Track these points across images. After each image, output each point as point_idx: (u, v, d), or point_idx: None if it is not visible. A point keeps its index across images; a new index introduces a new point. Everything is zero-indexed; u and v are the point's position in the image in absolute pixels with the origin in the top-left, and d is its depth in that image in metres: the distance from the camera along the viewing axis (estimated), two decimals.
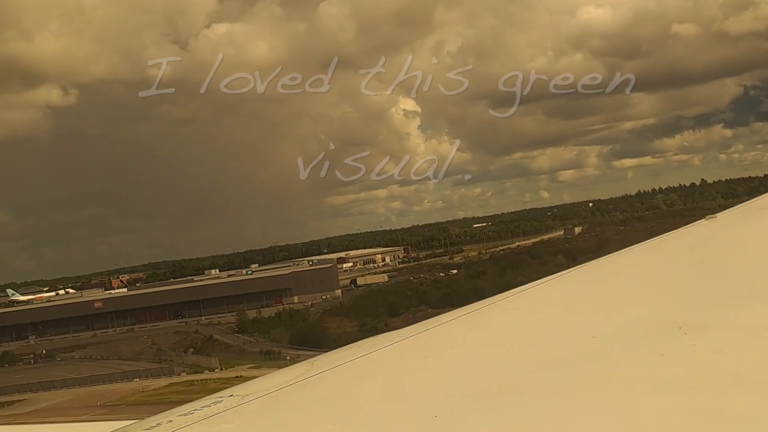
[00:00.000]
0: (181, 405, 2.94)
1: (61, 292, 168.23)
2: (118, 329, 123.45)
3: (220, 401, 2.85)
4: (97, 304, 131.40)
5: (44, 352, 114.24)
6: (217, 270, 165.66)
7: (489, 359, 3.13)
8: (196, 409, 2.78)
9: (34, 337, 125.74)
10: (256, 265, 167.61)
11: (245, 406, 2.79)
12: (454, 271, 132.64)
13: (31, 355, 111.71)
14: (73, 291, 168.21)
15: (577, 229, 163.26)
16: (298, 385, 3.01)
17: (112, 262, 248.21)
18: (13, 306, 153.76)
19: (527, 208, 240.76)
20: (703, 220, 6.85)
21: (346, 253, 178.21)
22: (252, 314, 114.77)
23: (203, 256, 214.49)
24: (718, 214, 7.09)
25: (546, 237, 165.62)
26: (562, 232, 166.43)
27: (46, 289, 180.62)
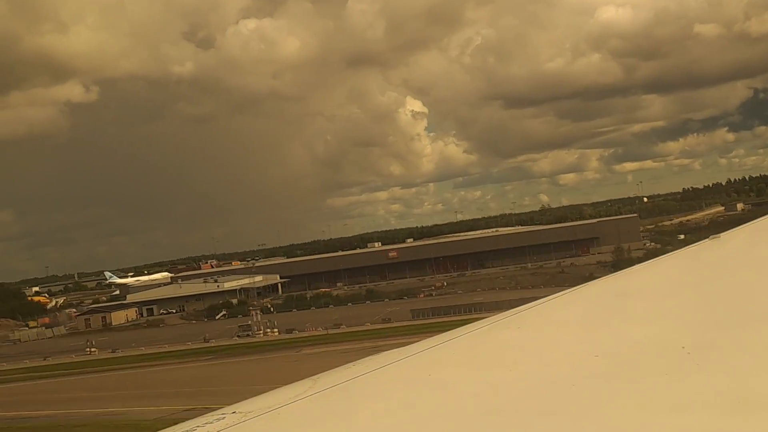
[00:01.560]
0: (181, 423, 2.94)
1: (157, 276, 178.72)
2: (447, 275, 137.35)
3: (223, 418, 2.85)
4: (391, 254, 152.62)
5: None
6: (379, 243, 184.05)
7: (492, 378, 3.12)
8: (198, 426, 2.77)
9: (341, 283, 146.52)
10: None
11: (248, 423, 2.78)
12: None
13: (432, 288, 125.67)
14: (168, 274, 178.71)
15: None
16: (300, 402, 3.01)
17: (197, 251, 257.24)
18: (110, 288, 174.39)
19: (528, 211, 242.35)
20: (706, 240, 6.85)
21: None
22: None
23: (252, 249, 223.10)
24: (721, 234, 7.08)
25: None
26: None
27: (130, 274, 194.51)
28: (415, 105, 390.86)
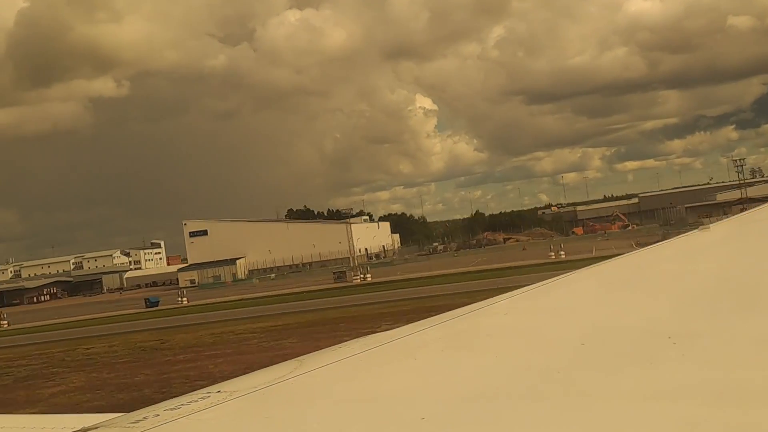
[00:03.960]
0: (168, 400, 2.93)
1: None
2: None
3: (208, 396, 2.84)
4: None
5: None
6: None
7: (478, 363, 3.12)
8: (183, 404, 2.76)
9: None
10: None
11: (232, 403, 2.78)
12: None
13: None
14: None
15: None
16: (285, 382, 3.00)
17: None
18: None
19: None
20: (696, 230, 6.87)
21: None
22: None
23: None
24: (711, 225, 7.11)
25: None
26: None
27: None
28: (425, 102, 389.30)
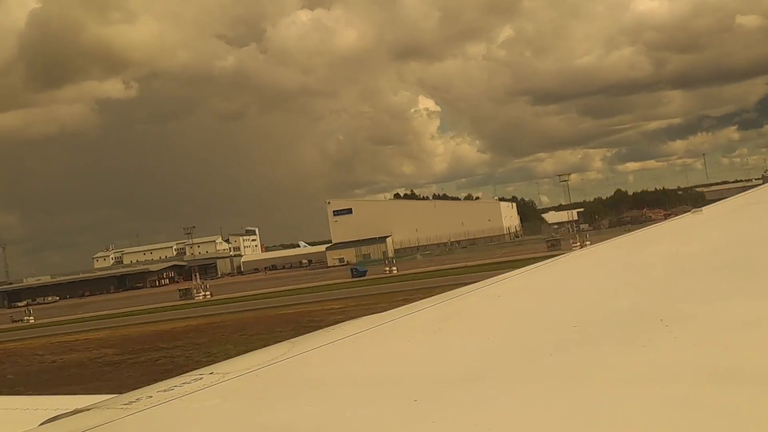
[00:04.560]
0: (161, 381, 2.93)
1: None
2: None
3: (200, 378, 2.85)
4: None
5: None
6: None
7: (469, 345, 3.13)
8: (176, 386, 2.77)
9: None
10: None
11: (225, 384, 2.78)
12: None
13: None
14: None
15: None
16: (278, 364, 3.01)
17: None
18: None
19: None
20: (688, 213, 6.88)
21: None
22: None
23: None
24: (703, 207, 7.12)
25: None
26: None
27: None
28: (428, 103, 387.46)
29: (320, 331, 3.67)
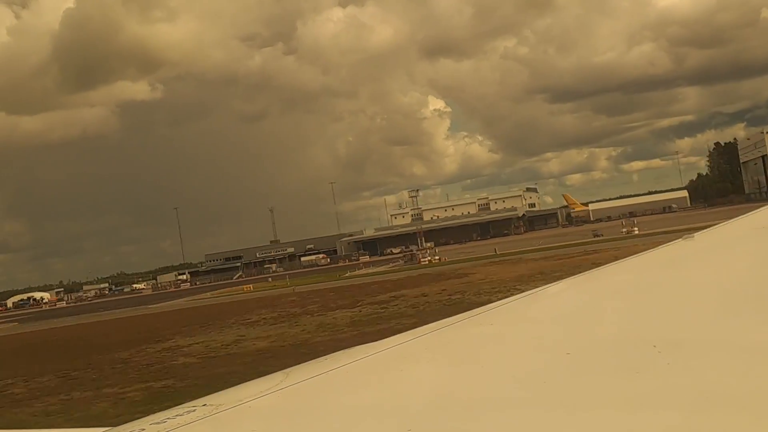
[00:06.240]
0: (153, 414, 2.91)
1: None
2: None
3: (194, 410, 2.83)
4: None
5: None
6: None
7: (464, 374, 3.13)
8: (168, 418, 2.75)
9: None
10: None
11: (218, 416, 2.76)
12: None
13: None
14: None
15: None
16: (272, 395, 2.99)
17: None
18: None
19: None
20: (680, 239, 6.91)
21: None
22: None
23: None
24: (695, 234, 7.15)
25: None
26: None
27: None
28: (438, 103, 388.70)
29: (314, 361, 3.65)
